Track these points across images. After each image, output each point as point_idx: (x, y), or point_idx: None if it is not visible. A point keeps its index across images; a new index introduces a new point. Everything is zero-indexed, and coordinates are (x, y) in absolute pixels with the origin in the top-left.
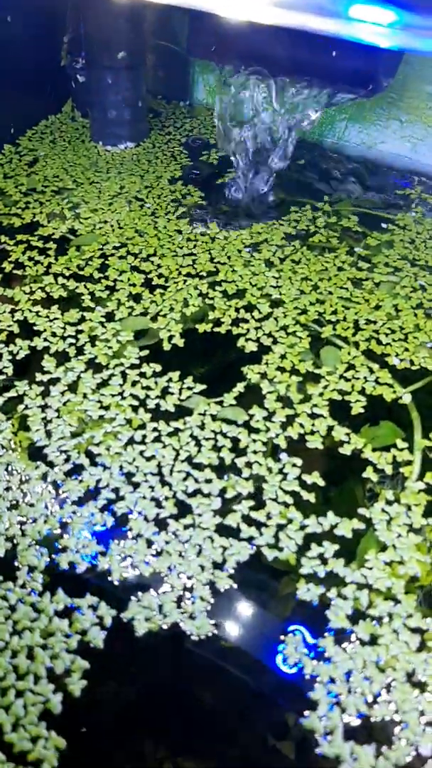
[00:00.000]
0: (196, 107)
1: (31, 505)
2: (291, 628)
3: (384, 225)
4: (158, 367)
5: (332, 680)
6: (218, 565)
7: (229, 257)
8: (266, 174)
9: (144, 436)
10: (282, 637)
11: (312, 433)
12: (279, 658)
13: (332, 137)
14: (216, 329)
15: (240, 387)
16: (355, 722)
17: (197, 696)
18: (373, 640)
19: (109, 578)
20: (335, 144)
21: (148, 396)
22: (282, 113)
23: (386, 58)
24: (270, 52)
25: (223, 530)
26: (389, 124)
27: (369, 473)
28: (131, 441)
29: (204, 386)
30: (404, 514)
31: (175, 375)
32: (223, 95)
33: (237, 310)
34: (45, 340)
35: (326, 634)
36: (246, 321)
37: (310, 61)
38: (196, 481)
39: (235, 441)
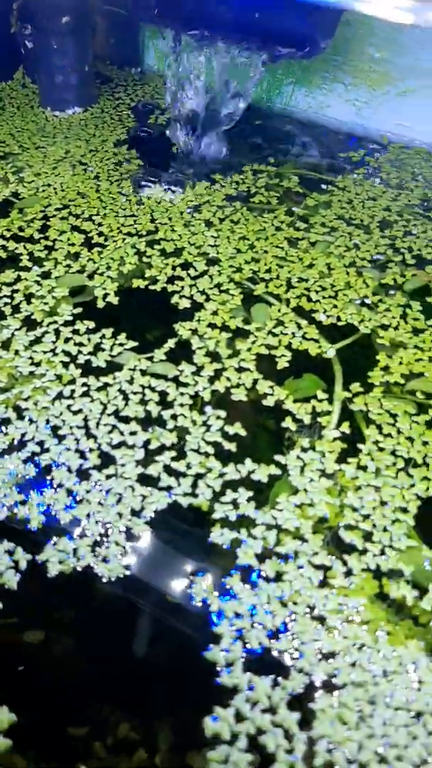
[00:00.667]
0: (146, 73)
1: None
2: (201, 568)
3: (324, 186)
4: (92, 324)
5: (237, 615)
6: (136, 513)
7: (170, 218)
8: (212, 136)
9: (73, 391)
10: (192, 578)
11: (237, 386)
12: (187, 597)
13: (280, 102)
14: (152, 287)
15: (171, 343)
16: (256, 655)
17: (100, 630)
18: (278, 577)
19: (28, 526)
20: (283, 108)
21: (80, 352)
22: (225, 75)
23: (322, 17)
24: (207, 12)
25: (144, 480)
26: (334, 87)
27: (288, 423)
28: (60, 396)
29: (136, 343)
30: (318, 461)
31: (108, 332)
32: (170, 57)
33: (173, 268)
34: None
35: (234, 572)
36: (181, 279)
37: (246, 21)
38: (122, 433)
39: (163, 395)
